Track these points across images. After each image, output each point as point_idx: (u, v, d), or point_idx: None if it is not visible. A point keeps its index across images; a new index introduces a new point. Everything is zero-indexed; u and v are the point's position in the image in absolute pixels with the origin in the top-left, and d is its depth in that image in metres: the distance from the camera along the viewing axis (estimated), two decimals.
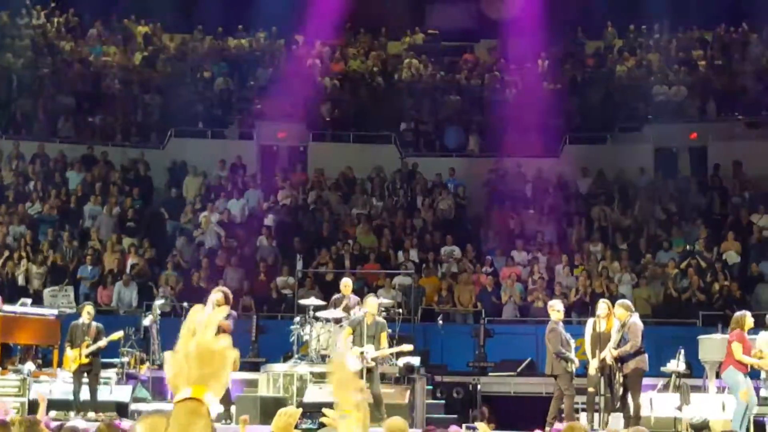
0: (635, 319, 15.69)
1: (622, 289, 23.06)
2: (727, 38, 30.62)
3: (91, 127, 29.62)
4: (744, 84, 29.07)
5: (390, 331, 16.63)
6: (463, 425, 14.07)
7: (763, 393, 15.71)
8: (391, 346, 16.27)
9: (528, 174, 28.09)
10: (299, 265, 24.07)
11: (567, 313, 18.68)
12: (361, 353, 15.33)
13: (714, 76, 29.69)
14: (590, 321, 15.96)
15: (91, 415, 16.32)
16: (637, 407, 15.47)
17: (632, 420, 14.95)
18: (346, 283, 18.03)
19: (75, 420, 13.54)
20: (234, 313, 16.43)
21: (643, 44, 31.32)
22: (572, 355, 15.81)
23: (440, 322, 22.18)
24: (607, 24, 31.85)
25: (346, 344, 15.71)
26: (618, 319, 15.60)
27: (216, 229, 25.89)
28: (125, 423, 12.42)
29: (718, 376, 17.44)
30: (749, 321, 15.11)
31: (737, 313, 15.45)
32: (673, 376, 17.33)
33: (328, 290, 20.88)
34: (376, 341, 15.50)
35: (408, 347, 16.47)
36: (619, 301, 16.24)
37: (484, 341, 21.44)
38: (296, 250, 25.04)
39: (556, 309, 16.11)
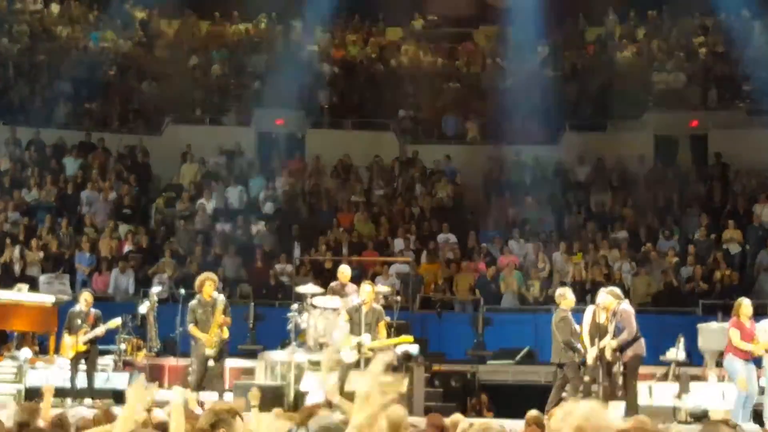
0: (625, 305, 15.56)
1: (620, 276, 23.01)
2: (728, 25, 30.49)
3: (89, 113, 29.52)
4: (745, 72, 28.95)
5: (388, 319, 16.54)
6: None
7: (762, 382, 15.58)
8: (389, 334, 16.17)
9: (527, 162, 28.01)
10: (297, 252, 23.99)
11: None
12: (358, 343, 15.24)
13: (715, 63, 29.57)
14: (590, 309, 15.79)
15: (88, 402, 16.24)
16: (634, 394, 15.38)
17: (630, 408, 14.86)
18: (344, 271, 17.99)
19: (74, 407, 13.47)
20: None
21: (644, 31, 31.20)
22: (580, 345, 15.63)
23: (438, 309, 22.15)
24: (608, 11, 31.72)
25: (343, 333, 15.62)
26: (606, 308, 15.40)
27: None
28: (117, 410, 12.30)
29: (717, 364, 17.40)
30: (745, 307, 15.01)
31: (737, 300, 15.37)
32: (673, 364, 17.27)
33: (325, 278, 20.81)
34: (373, 329, 15.40)
35: (407, 338, 16.36)
36: (608, 289, 16.06)
37: (482, 330, 21.38)
38: (294, 237, 24.98)
39: (567, 297, 15.91)
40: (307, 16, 31.13)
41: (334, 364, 7.40)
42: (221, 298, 16.30)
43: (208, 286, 16.00)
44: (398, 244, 24.82)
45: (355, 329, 15.43)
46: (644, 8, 31.27)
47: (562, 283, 22.45)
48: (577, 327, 15.63)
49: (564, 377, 15.58)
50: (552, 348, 15.94)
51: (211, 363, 16.07)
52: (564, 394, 15.59)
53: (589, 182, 27.48)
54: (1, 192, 26.11)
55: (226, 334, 16.17)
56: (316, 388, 7.08)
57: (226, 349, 16.46)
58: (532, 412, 9.80)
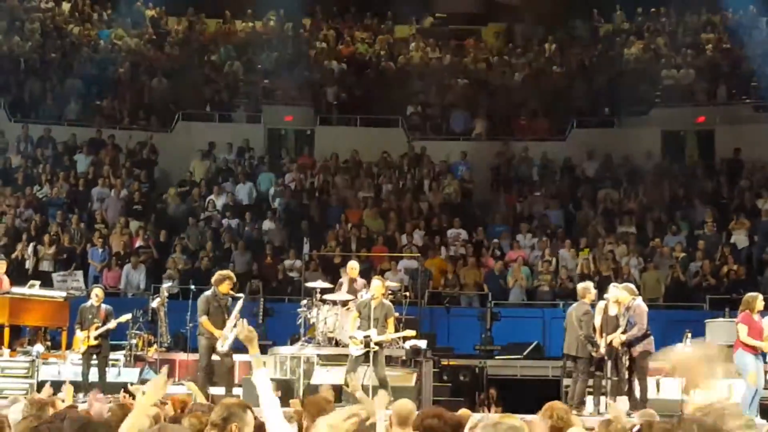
0: (640, 301, 15.67)
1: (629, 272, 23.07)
2: (734, 22, 30.54)
3: (99, 110, 29.66)
4: (751, 67, 28.99)
5: (397, 314, 16.64)
6: None
7: None
8: (397, 329, 16.28)
9: (535, 157, 28.10)
10: (306, 248, 24.10)
11: (572, 296, 18.67)
12: (366, 337, 15.37)
13: (722, 59, 29.62)
14: (601, 303, 15.85)
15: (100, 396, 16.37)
16: (644, 390, 15.47)
17: (639, 403, 14.96)
18: (353, 266, 18.09)
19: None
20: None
21: (651, 28, 31.26)
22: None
23: (447, 304, 22.25)
24: (616, 7, 31.79)
25: (353, 329, 15.76)
26: (620, 303, 15.52)
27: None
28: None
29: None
30: (759, 303, 14.99)
31: (748, 295, 15.20)
32: None
33: (335, 273, 20.92)
34: (380, 324, 15.52)
35: (411, 332, 16.48)
36: (623, 284, 16.20)
37: (490, 324, 21.46)
38: (303, 233, 25.09)
39: (590, 291, 15.89)
40: (317, 13, 31.28)
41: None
42: (241, 299, 16.35)
43: (226, 285, 16.05)
44: (406, 239, 24.93)
45: (364, 324, 15.56)
46: (651, 5, 31.34)
47: (567, 277, 22.55)
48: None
49: (578, 371, 15.68)
50: (566, 339, 16.00)
51: (215, 357, 16.17)
52: (569, 386, 15.75)
53: (596, 178, 27.57)
54: (13, 188, 26.27)
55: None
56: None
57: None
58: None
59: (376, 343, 15.40)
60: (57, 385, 14.25)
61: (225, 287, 16.02)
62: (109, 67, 30.47)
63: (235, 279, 16.50)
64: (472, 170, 27.99)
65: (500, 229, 25.67)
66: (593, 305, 15.77)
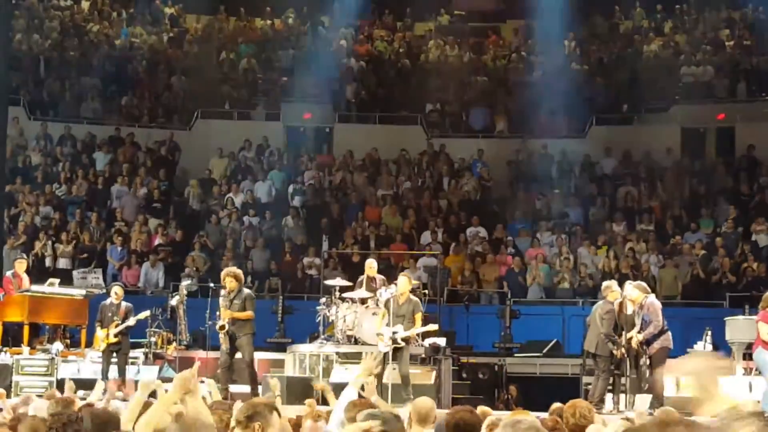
0: (653, 299, 15.61)
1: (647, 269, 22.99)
2: (755, 18, 30.37)
3: (118, 108, 29.72)
4: None
5: (423, 310, 16.62)
6: None
7: None
8: (423, 325, 16.27)
9: (554, 155, 28.02)
10: (325, 245, 24.11)
11: (592, 293, 18.60)
12: (394, 333, 15.41)
13: (742, 56, 29.47)
14: (617, 302, 15.84)
15: (119, 394, 16.41)
16: (661, 387, 15.42)
17: (656, 401, 14.90)
18: (371, 264, 18.09)
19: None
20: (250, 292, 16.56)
21: (670, 24, 31.11)
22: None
23: (466, 302, 22.23)
24: (635, 4, 31.66)
25: (380, 326, 15.79)
26: (634, 301, 15.46)
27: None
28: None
29: (745, 357, 17.39)
30: None
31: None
32: None
33: (353, 271, 20.92)
34: (407, 320, 15.55)
35: (433, 327, 16.49)
36: (634, 283, 16.11)
37: (509, 322, 21.44)
38: (322, 230, 25.10)
39: (613, 289, 15.82)
40: (335, 11, 31.23)
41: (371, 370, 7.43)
42: (244, 292, 16.29)
43: (228, 281, 16.09)
44: (426, 237, 24.90)
45: (389, 320, 15.59)
46: (671, 1, 31.18)
47: (586, 275, 22.47)
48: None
49: (598, 369, 15.64)
50: (587, 337, 15.95)
51: (238, 355, 16.19)
52: (590, 385, 15.69)
53: (616, 175, 27.49)
54: (32, 186, 26.36)
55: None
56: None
57: (242, 343, 16.03)
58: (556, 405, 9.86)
59: (403, 340, 15.43)
60: (80, 384, 14.32)
61: (228, 283, 16.08)
62: (128, 65, 30.54)
63: (234, 273, 16.39)
64: (491, 168, 27.94)
65: (519, 227, 25.63)
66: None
